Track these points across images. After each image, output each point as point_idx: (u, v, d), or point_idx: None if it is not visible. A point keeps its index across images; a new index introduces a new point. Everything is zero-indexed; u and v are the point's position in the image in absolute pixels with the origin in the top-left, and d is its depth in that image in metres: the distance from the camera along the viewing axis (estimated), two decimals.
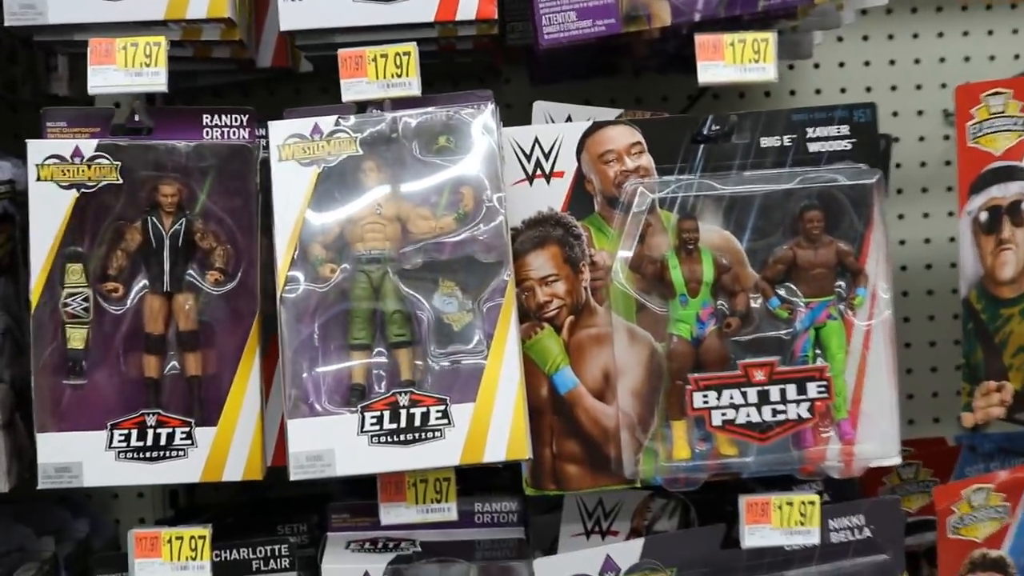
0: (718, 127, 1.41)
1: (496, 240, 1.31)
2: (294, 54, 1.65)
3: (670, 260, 1.39)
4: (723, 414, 1.37)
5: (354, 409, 1.28)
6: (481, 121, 1.33)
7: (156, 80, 1.32)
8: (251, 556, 1.47)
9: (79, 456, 1.35)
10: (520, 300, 1.39)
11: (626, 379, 1.41)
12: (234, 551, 1.46)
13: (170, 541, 1.37)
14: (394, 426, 1.28)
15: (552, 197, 1.41)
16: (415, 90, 1.33)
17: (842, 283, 1.39)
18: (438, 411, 1.28)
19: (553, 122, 1.46)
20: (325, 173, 1.32)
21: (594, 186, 1.41)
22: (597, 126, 1.41)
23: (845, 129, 1.41)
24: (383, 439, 1.28)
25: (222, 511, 1.76)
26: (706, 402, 1.37)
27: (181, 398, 1.37)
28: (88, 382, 1.36)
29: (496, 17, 1.37)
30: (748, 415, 1.37)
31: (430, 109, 1.33)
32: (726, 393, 1.37)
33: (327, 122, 1.32)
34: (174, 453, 1.36)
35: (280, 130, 1.32)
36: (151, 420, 1.36)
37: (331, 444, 1.27)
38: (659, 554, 1.45)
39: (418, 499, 1.35)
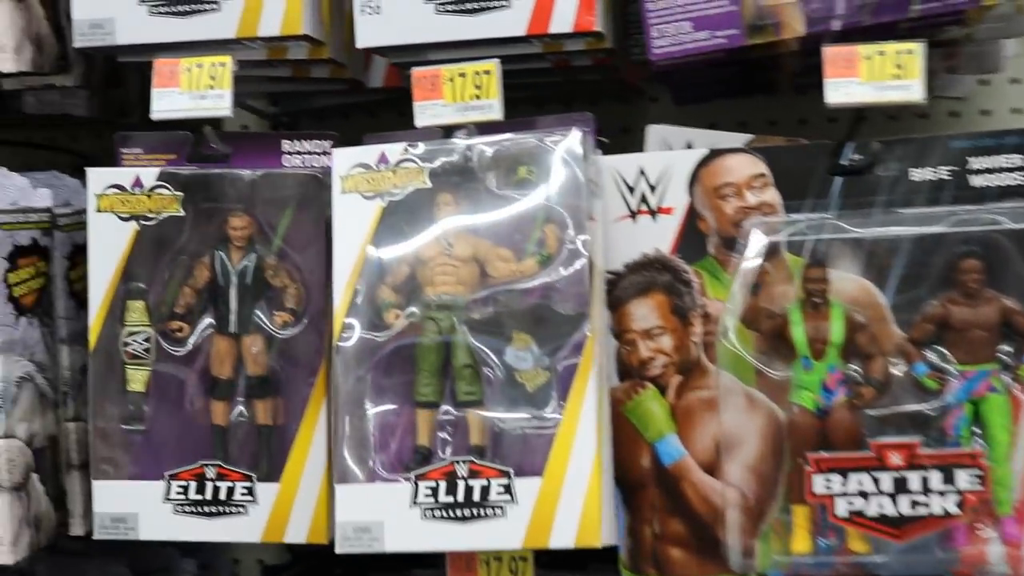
0: (859, 156, 1.18)
1: (576, 288, 1.14)
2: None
3: (792, 315, 1.17)
4: (849, 503, 1.14)
5: (409, 477, 1.13)
6: (565, 149, 1.16)
7: (220, 104, 1.22)
8: None
9: (135, 507, 1.26)
10: (620, 356, 1.22)
11: (741, 452, 1.20)
12: None
13: None
14: (450, 499, 1.12)
15: (659, 237, 1.22)
16: (496, 113, 1.18)
17: (1007, 348, 1.14)
18: (500, 485, 1.11)
19: (671, 149, 1.27)
20: (391, 207, 1.18)
21: (708, 225, 1.21)
22: (714, 155, 1.21)
23: (1018, 159, 1.15)
24: (437, 513, 1.12)
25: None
26: (829, 488, 1.15)
27: (247, 449, 1.26)
28: (148, 427, 1.27)
29: (596, 29, 1.20)
30: (881, 506, 1.13)
31: (508, 136, 1.17)
32: (854, 478, 1.14)
33: (395, 150, 1.18)
34: (234, 509, 1.25)
35: (344, 159, 1.19)
36: (211, 472, 1.25)
37: (381, 516, 1.13)
38: None
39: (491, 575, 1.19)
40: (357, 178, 1.18)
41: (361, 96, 1.56)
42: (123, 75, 1.53)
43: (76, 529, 1.36)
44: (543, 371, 1.13)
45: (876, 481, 1.13)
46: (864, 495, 1.14)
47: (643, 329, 1.22)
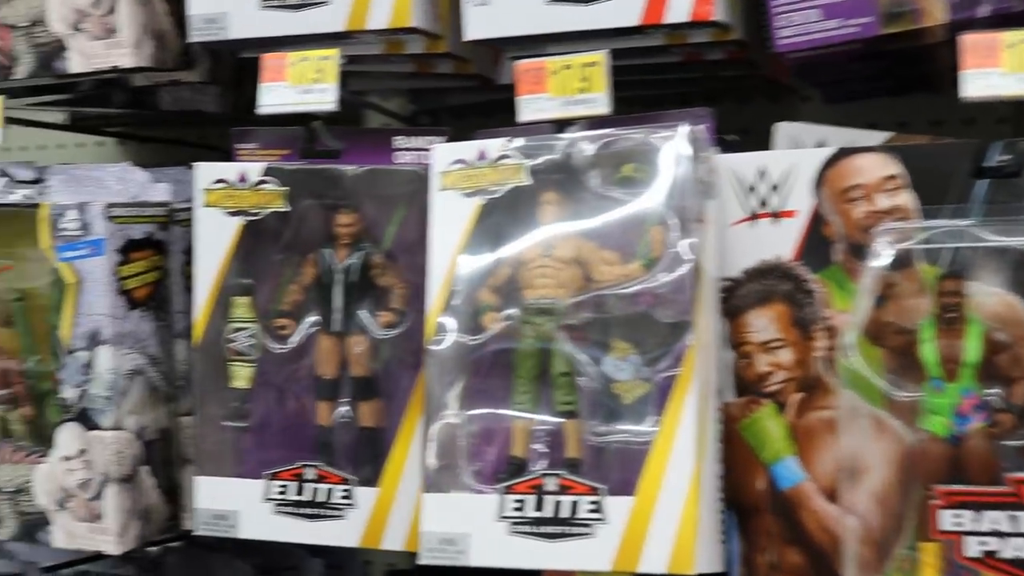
0: (1007, 157, 1.06)
1: (680, 295, 1.06)
2: None
3: (924, 331, 1.06)
4: (982, 543, 1.02)
5: (497, 488, 1.08)
6: (673, 145, 1.08)
7: (324, 98, 1.19)
8: None
9: (236, 505, 1.25)
10: (737, 370, 1.13)
11: (864, 479, 1.09)
12: None
13: None
14: (538, 515, 1.06)
15: (780, 242, 1.12)
16: (603, 107, 1.11)
17: None
18: (590, 503, 1.05)
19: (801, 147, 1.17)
20: (489, 205, 1.13)
21: (835, 230, 1.11)
22: (843, 154, 1.11)
23: None
24: (525, 529, 1.06)
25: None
26: (958, 524, 1.03)
27: (349, 451, 1.24)
28: (250, 425, 1.25)
29: (715, 18, 1.12)
30: (1018, 549, 1.01)
31: (612, 132, 1.10)
32: (988, 515, 1.02)
33: (494, 146, 1.13)
34: (333, 512, 1.22)
35: (443, 155, 1.15)
36: (311, 474, 1.23)
37: (468, 528, 1.08)
38: None
39: None
40: (456, 175, 1.14)
41: (496, 93, 1.51)
42: (252, 71, 1.52)
43: (188, 524, 1.35)
44: (642, 382, 1.06)
45: (1014, 520, 1.01)
46: (1000, 535, 1.02)
47: (761, 341, 1.13)
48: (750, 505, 1.13)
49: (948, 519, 1.03)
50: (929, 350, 1.05)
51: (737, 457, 1.13)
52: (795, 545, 1.12)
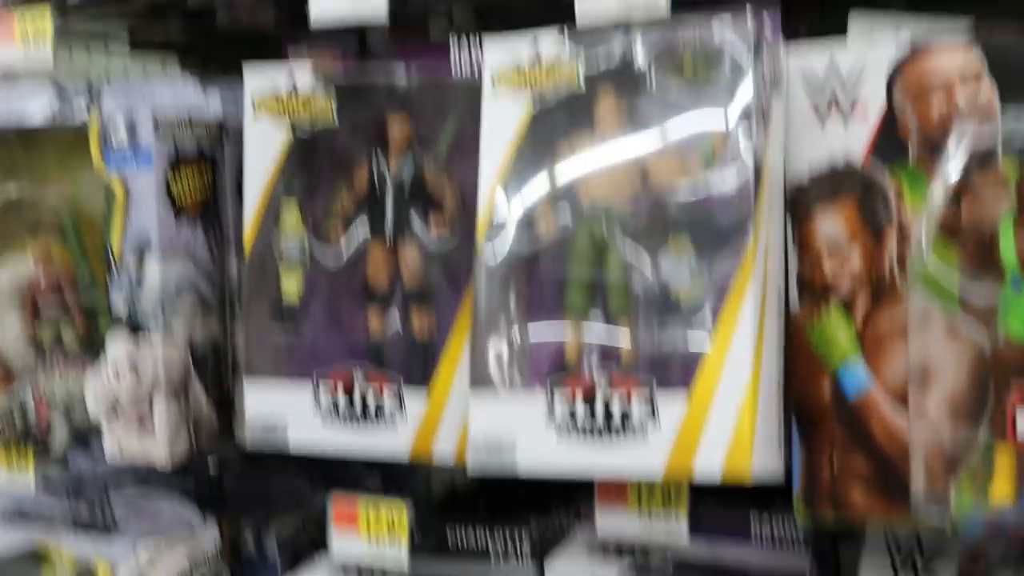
0: None
1: (739, 195, 1.01)
2: None
3: (1004, 228, 1.01)
4: None
5: (546, 388, 1.04)
6: (733, 36, 1.02)
7: (376, 8, 1.14)
8: (490, 544, 1.29)
9: (285, 415, 1.23)
10: (803, 274, 1.09)
11: (936, 385, 1.05)
12: (473, 535, 1.29)
13: (367, 516, 1.21)
14: (589, 417, 1.02)
15: (851, 142, 1.07)
16: (662, 10, 1.05)
17: None
18: (643, 406, 1.01)
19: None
20: (541, 106, 1.08)
21: (910, 128, 1.06)
22: (920, 47, 1.05)
23: None
24: (574, 434, 1.03)
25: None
26: None
27: (399, 361, 1.21)
28: (300, 334, 1.23)
29: None
30: None
31: (669, 24, 1.05)
32: None
33: (548, 43, 1.08)
34: (383, 423, 1.20)
35: (496, 54, 1.10)
36: (360, 380, 1.21)
37: (515, 434, 1.05)
38: None
39: (641, 504, 1.10)
40: (510, 75, 1.09)
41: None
42: None
43: (241, 437, 1.34)
44: (700, 285, 1.02)
45: None
46: None
47: (829, 244, 1.09)
48: (814, 413, 1.09)
49: None
50: (1009, 248, 1.00)
51: (802, 364, 1.09)
52: (861, 454, 1.08)
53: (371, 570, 1.31)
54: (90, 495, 1.47)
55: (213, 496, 1.56)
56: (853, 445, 1.08)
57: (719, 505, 1.22)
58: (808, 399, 1.10)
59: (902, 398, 1.06)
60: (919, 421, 1.05)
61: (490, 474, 1.06)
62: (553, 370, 1.07)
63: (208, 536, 1.38)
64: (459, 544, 1.29)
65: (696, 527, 1.23)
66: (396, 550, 1.20)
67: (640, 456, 1.00)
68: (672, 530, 1.09)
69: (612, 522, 1.11)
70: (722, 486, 1.21)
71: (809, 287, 1.10)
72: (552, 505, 1.38)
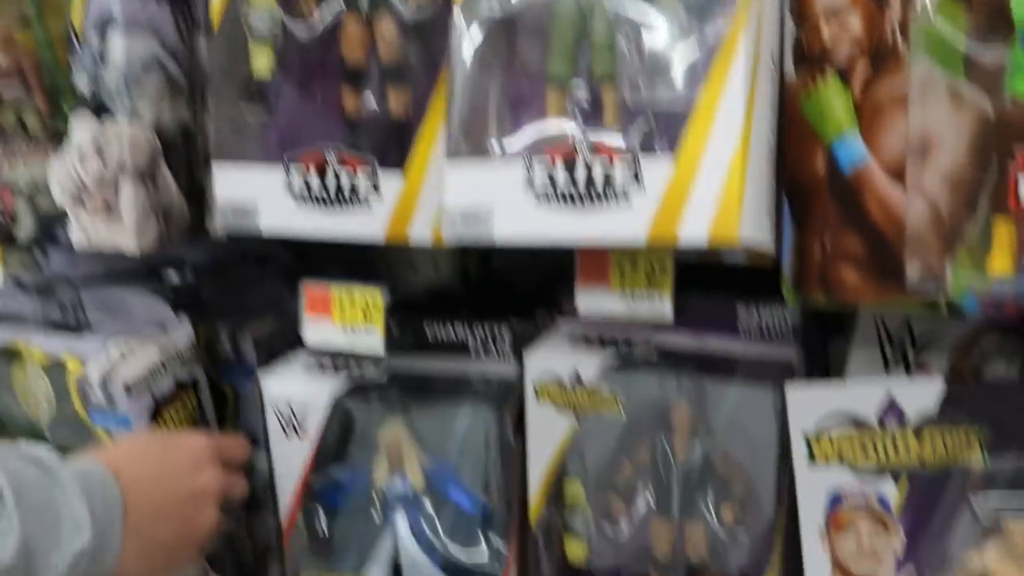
0: None
1: None
2: None
3: None
4: None
5: (525, 154, 0.99)
6: None
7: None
8: (470, 338, 1.25)
9: (256, 195, 1.18)
10: (799, 42, 1.02)
11: (935, 156, 0.99)
12: (453, 330, 1.25)
13: (341, 302, 1.17)
14: (568, 181, 0.97)
15: None
16: None
17: None
18: (625, 165, 0.95)
19: None
20: None
21: None
22: None
23: None
24: (553, 199, 0.98)
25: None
26: None
27: (374, 140, 1.15)
28: (270, 114, 1.17)
29: None
30: None
31: None
32: None
33: None
34: (357, 203, 1.15)
35: None
36: (333, 159, 1.15)
37: (492, 201, 1.00)
38: (967, 404, 1.05)
39: (624, 285, 1.05)
40: None
41: None
42: None
43: (211, 225, 1.30)
44: (687, 40, 0.96)
45: None
46: None
47: (827, 8, 1.02)
48: (807, 189, 1.04)
49: None
50: (1021, 4, 0.94)
51: (795, 137, 1.04)
52: (854, 233, 1.03)
53: (347, 362, 1.28)
54: (62, 296, 1.43)
55: (191, 303, 1.52)
56: (847, 223, 1.03)
57: (706, 296, 1.18)
58: (801, 174, 1.04)
59: (899, 173, 1.01)
60: (916, 196, 1.00)
61: (466, 243, 1.01)
62: (533, 137, 1.01)
63: (181, 333, 1.34)
64: (438, 338, 1.25)
65: (682, 319, 1.19)
66: (371, 335, 1.16)
67: (623, 222, 0.95)
68: (655, 308, 1.04)
69: (593, 301, 1.06)
70: (709, 277, 1.17)
71: (805, 55, 1.03)
72: (535, 308, 1.34)
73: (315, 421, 1.25)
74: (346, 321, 1.18)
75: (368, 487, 1.28)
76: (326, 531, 1.28)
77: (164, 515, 1.14)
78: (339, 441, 1.27)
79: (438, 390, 1.24)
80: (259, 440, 1.43)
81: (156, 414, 1.30)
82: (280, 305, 1.46)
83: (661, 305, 1.04)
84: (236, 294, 1.51)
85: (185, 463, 1.17)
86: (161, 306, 1.35)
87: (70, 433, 1.33)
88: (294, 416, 1.25)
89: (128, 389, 1.27)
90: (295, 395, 1.25)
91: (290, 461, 1.27)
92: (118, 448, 1.18)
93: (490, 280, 1.56)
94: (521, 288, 1.47)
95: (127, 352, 1.31)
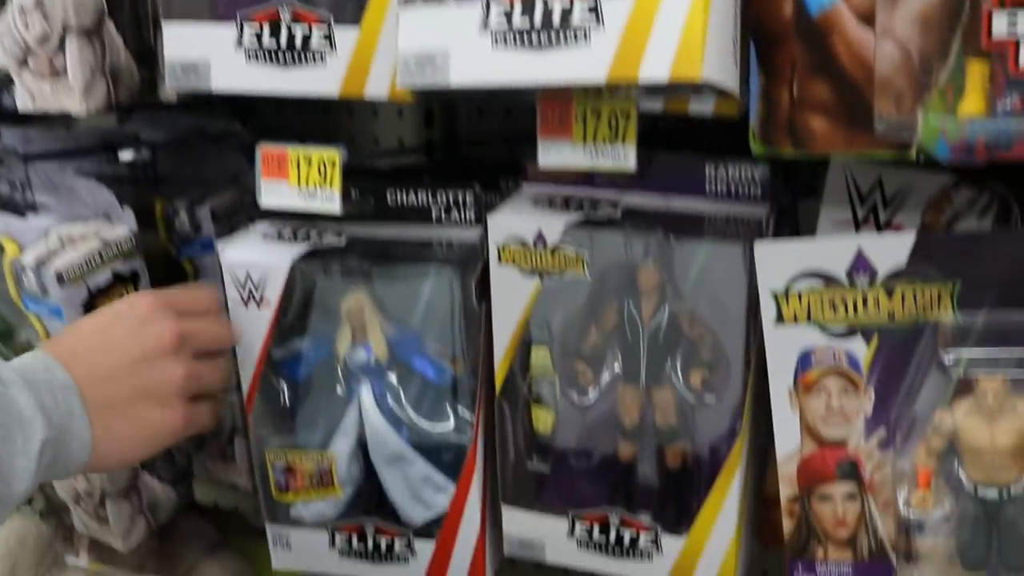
0: None
1: None
2: None
3: None
4: None
5: None
6: None
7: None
8: (433, 203, 1.21)
9: (207, 53, 1.13)
10: None
11: None
12: (415, 196, 1.22)
13: (298, 163, 1.13)
14: (525, 19, 0.93)
15: None
16: None
17: None
18: (584, 3, 0.91)
19: None
20: None
21: None
22: None
23: None
24: (510, 39, 0.93)
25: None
26: (1013, 30, 0.90)
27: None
28: None
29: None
30: None
31: None
32: None
33: None
34: (311, 60, 1.10)
35: None
36: (286, 14, 1.11)
37: (448, 43, 0.95)
38: (937, 258, 1.02)
39: (586, 136, 1.02)
40: None
41: None
42: None
43: (163, 92, 1.26)
44: None
45: None
46: None
47: None
48: (773, 33, 1.00)
49: (1001, 23, 0.90)
50: None
51: None
52: (822, 77, 1.00)
53: (308, 232, 1.24)
54: (12, 173, 1.38)
55: (147, 178, 1.49)
56: (814, 69, 1.00)
57: (673, 155, 1.15)
58: (767, 18, 1.00)
59: (868, 15, 0.97)
60: (886, 39, 0.96)
61: (420, 89, 0.97)
62: None
63: (124, 225, 1.30)
64: (400, 203, 1.22)
65: (649, 179, 1.16)
66: (328, 197, 1.13)
67: (582, 61, 0.91)
68: (619, 159, 1.01)
69: (556, 154, 1.03)
70: (677, 136, 1.14)
71: None
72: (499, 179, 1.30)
73: (275, 289, 1.21)
74: (303, 182, 1.14)
75: (331, 358, 1.25)
76: (288, 404, 1.26)
77: (122, 381, 1.09)
78: (300, 309, 1.24)
79: (400, 256, 1.21)
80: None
81: (90, 306, 1.26)
82: (239, 180, 1.43)
83: (624, 156, 1.00)
84: (193, 170, 1.48)
85: (130, 322, 1.12)
86: (108, 195, 1.31)
87: (8, 312, 1.30)
88: (253, 284, 1.21)
89: (60, 278, 1.23)
90: (254, 262, 1.21)
91: (250, 332, 1.24)
92: (64, 335, 1.14)
93: (455, 155, 1.53)
94: (487, 162, 1.43)
95: (66, 240, 1.27)
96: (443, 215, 1.21)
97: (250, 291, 1.21)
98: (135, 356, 1.10)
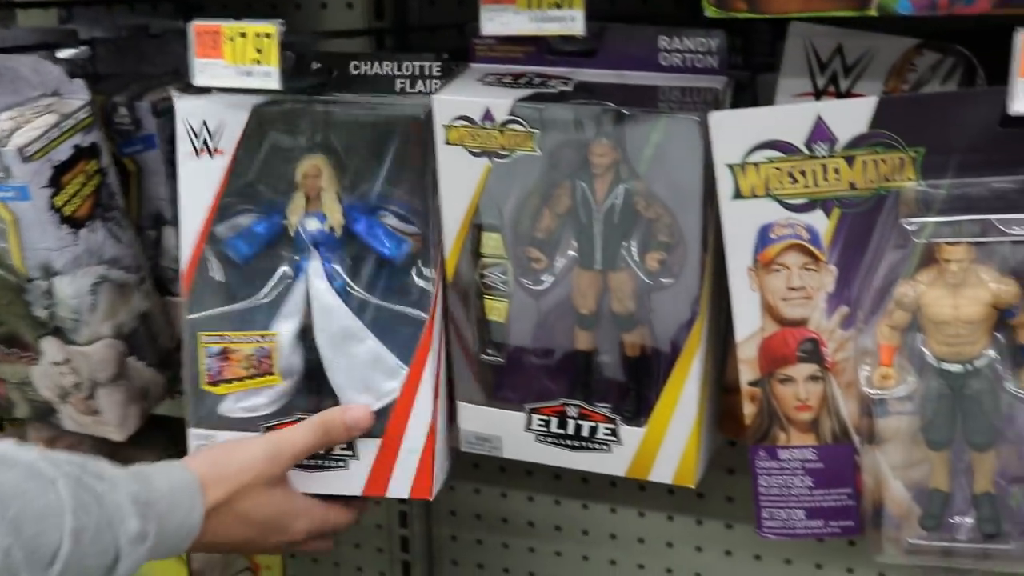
0: None
1: None
2: None
3: None
4: None
5: None
6: None
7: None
8: (397, 73, 1.16)
9: None
10: None
11: None
12: (378, 66, 1.16)
13: (232, 39, 1.08)
14: None
15: None
16: None
17: None
18: None
19: None
20: None
21: None
22: None
23: None
24: None
25: None
26: None
27: None
28: None
29: None
30: None
31: None
32: None
33: None
34: None
35: None
36: None
37: None
38: (899, 123, 0.98)
39: (531, 4, 0.97)
40: None
41: None
42: None
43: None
44: None
45: None
46: None
47: None
48: None
49: None
50: None
51: None
52: None
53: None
54: None
55: (86, 75, 1.43)
56: None
57: (626, 28, 1.11)
58: None
59: None
60: None
61: None
62: None
63: (77, 97, 1.25)
64: (364, 74, 1.17)
65: (601, 54, 1.12)
66: (267, 74, 1.07)
67: None
68: (567, 22, 0.96)
69: (499, 21, 0.98)
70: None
71: None
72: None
73: (230, 139, 1.16)
74: (239, 60, 1.09)
75: (281, 229, 1.19)
76: (229, 281, 1.20)
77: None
78: (254, 169, 1.18)
79: (361, 116, 1.15)
80: (165, 219, 1.36)
81: (56, 182, 1.21)
82: (180, 75, 1.37)
83: (572, 19, 0.96)
84: (134, 67, 1.42)
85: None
86: (55, 71, 1.26)
87: None
88: (208, 133, 1.16)
89: (22, 154, 1.18)
90: (210, 112, 1.16)
91: (199, 188, 1.18)
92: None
93: (404, 44, 1.48)
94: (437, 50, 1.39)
95: (20, 121, 1.22)
96: (408, 86, 1.16)
97: (205, 142, 1.16)
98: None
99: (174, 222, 1.30)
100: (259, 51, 1.08)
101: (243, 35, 1.08)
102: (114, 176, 1.30)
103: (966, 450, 1.02)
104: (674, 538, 1.60)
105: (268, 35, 1.05)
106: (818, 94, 1.08)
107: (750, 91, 1.15)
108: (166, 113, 1.31)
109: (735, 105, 1.10)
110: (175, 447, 1.48)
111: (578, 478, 1.62)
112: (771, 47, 1.20)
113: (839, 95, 1.08)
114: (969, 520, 1.03)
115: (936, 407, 1.02)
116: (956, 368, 1.00)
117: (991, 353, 1.00)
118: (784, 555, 1.54)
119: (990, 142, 0.96)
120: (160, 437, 1.48)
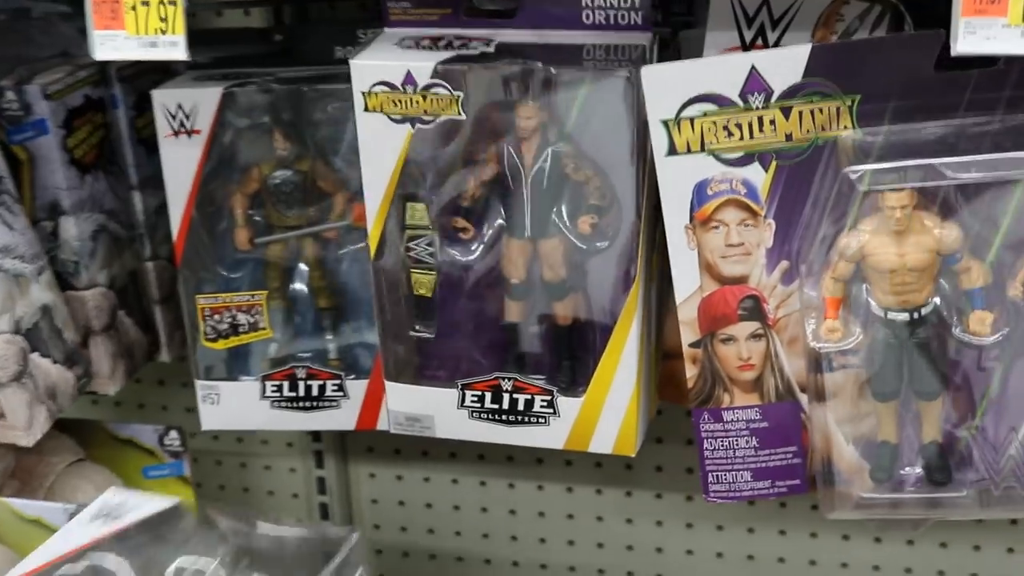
0: None
1: None
2: None
3: None
4: None
5: None
6: None
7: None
8: None
9: None
10: None
11: None
12: None
13: (134, 8, 1.01)
14: None
15: None
16: None
17: None
18: None
19: None
20: None
21: None
22: None
23: None
24: None
25: None
26: None
27: None
28: None
29: None
30: None
31: None
32: None
33: None
34: None
35: None
36: None
37: None
38: (833, 70, 0.96)
39: None
40: None
41: None
42: None
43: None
44: None
45: None
46: None
47: None
48: None
49: None
50: None
51: None
52: None
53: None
54: None
55: None
56: None
57: None
58: None
59: None
60: None
61: None
62: None
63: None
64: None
65: (522, 15, 1.08)
66: (174, 45, 1.01)
67: None
68: None
69: None
70: None
71: None
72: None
73: (206, 118, 1.18)
74: (142, 31, 1.02)
75: None
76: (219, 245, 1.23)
77: None
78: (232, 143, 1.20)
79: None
80: (62, 208, 1.29)
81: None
82: (70, 55, 1.30)
83: None
84: (18, 50, 1.33)
85: None
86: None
87: None
88: (184, 115, 1.18)
89: (45, 92, 1.22)
90: (184, 96, 1.18)
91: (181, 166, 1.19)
92: None
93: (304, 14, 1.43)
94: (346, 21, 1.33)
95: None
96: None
97: (182, 122, 1.18)
98: None
99: (72, 211, 1.26)
100: (163, 19, 1.01)
101: (145, 3, 1.01)
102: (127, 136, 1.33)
103: (913, 400, 1.01)
104: (604, 512, 1.57)
105: (173, 2, 0.99)
106: (746, 47, 1.06)
107: (673, 47, 1.12)
108: (57, 95, 1.24)
109: (661, 61, 1.07)
110: (83, 446, 1.40)
111: (503, 456, 1.58)
112: (689, 5, 1.18)
113: (767, 47, 1.06)
114: (918, 470, 1.02)
115: (883, 358, 1.00)
116: (902, 317, 0.99)
117: (936, 300, 0.98)
118: (716, 521, 1.53)
119: (926, 87, 0.95)
120: (68, 442, 1.40)
